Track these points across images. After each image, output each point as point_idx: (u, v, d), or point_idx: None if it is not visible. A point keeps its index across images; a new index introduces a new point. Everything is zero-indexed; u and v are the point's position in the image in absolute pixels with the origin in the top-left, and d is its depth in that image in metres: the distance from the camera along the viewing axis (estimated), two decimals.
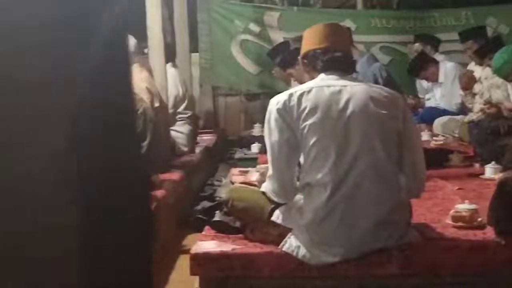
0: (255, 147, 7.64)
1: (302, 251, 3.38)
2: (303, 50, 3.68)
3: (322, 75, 3.50)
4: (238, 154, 8.00)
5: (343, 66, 3.55)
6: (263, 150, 6.19)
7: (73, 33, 1.15)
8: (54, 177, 1.13)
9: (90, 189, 1.17)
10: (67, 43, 1.15)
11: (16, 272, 1.16)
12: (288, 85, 6.85)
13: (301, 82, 4.06)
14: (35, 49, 1.12)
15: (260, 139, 7.11)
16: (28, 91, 1.13)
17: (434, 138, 7.59)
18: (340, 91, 3.40)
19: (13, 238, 1.15)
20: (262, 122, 7.64)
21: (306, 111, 3.32)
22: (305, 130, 3.31)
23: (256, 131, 8.75)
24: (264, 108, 3.60)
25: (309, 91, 3.39)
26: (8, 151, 1.14)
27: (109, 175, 1.19)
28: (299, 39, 4.38)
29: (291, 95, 3.39)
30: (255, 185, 3.81)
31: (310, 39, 3.67)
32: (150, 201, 1.31)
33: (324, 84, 3.43)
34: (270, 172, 3.43)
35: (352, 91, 3.41)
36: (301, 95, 3.37)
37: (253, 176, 4.48)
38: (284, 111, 3.35)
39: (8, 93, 1.13)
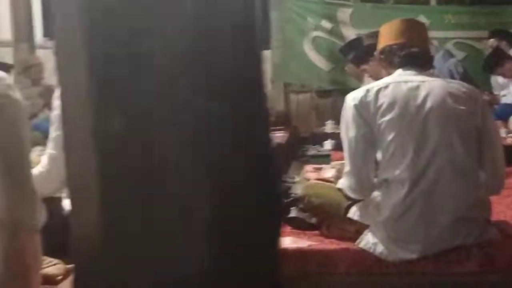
0: (328, 144, 7.60)
1: (380, 248, 3.36)
2: (380, 45, 3.66)
3: (399, 71, 3.47)
4: (311, 151, 7.97)
5: (421, 62, 3.51)
6: (336, 147, 6.17)
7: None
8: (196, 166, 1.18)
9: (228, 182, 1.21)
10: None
11: (149, 256, 1.21)
12: (360, 82, 6.82)
13: (376, 78, 4.04)
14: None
15: (333, 136, 7.09)
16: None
17: (510, 135, 7.45)
18: (418, 87, 3.36)
19: (152, 223, 1.20)
20: (334, 119, 7.68)
21: (384, 107, 3.30)
22: (383, 126, 3.29)
23: (328, 128, 8.70)
24: (336, 105, 3.60)
25: (386, 87, 3.37)
26: (159, 146, 1.20)
27: (246, 171, 1.24)
28: (372, 35, 4.37)
29: (367, 90, 3.37)
30: (330, 182, 3.80)
31: (387, 34, 3.64)
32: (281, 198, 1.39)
33: (401, 79, 3.40)
34: (347, 168, 3.42)
35: (430, 86, 3.37)
36: (378, 91, 3.35)
37: (327, 172, 4.48)
38: (361, 106, 3.33)
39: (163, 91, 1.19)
